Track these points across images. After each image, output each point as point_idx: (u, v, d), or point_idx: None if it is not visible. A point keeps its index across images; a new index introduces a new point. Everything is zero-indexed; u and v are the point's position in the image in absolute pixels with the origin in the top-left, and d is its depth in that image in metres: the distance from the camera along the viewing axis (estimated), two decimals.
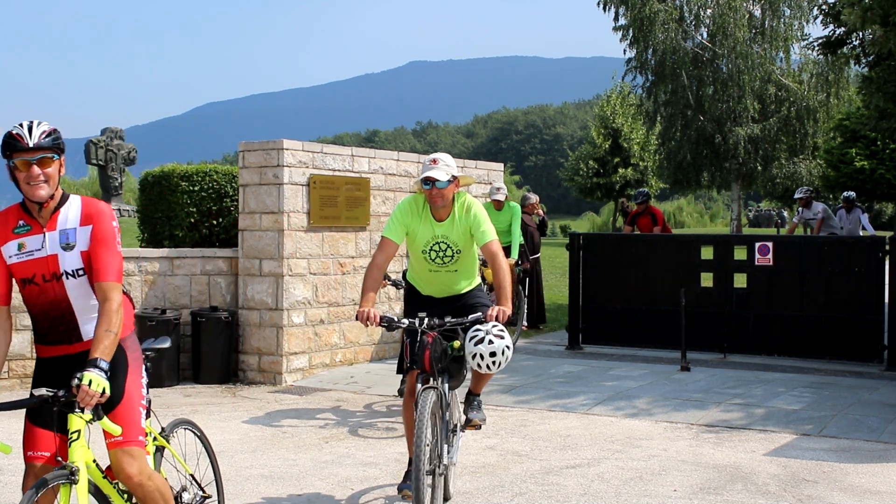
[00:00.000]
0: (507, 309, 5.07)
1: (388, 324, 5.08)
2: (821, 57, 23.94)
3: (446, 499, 5.38)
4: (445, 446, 5.04)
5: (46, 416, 3.65)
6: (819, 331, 10.67)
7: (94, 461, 3.66)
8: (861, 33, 13.46)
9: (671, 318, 11.01)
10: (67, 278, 3.68)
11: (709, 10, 34.08)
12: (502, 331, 5.12)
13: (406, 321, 5.13)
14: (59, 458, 3.60)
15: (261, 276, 9.83)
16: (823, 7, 15.14)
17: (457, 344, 5.20)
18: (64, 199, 3.75)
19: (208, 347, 9.70)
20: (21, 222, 3.71)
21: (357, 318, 5.12)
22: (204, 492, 4.50)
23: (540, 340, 12.65)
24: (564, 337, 12.12)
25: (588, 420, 7.89)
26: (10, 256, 3.69)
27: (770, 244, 11.03)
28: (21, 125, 3.64)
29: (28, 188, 3.63)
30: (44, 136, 3.63)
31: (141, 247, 10.96)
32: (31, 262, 3.68)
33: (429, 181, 5.25)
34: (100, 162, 29.24)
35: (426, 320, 5.12)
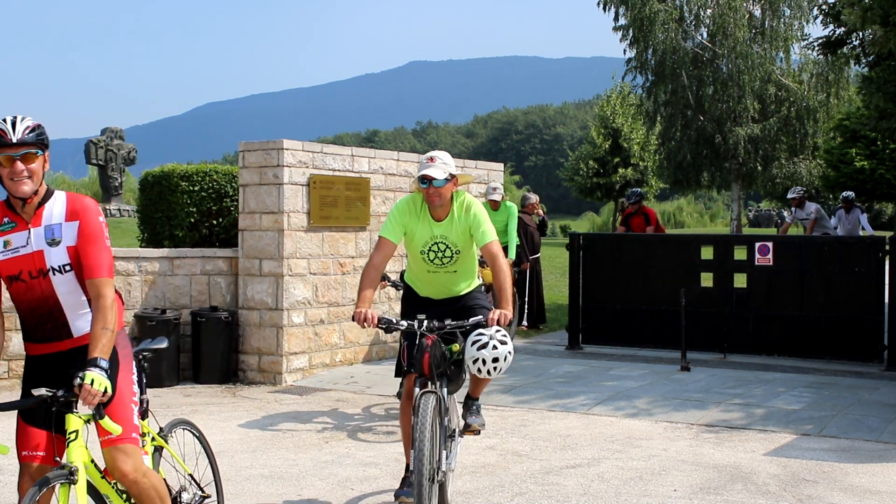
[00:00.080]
0: (509, 312, 4.96)
1: (386, 325, 4.96)
2: (821, 57, 23.94)
3: None
4: (444, 452, 4.87)
5: (39, 416, 3.63)
6: (819, 331, 10.67)
7: (93, 461, 3.65)
8: (861, 33, 13.46)
9: (671, 318, 11.00)
10: (54, 274, 3.64)
11: (709, 10, 34.07)
12: (506, 336, 5.00)
13: (405, 323, 4.99)
14: (58, 458, 3.59)
15: (261, 276, 9.83)
16: (823, 7, 15.14)
17: (456, 347, 5.09)
18: (48, 194, 3.70)
19: (208, 347, 9.70)
20: (5, 219, 3.68)
21: (354, 319, 4.99)
22: (203, 492, 4.49)
23: (540, 340, 12.65)
24: (564, 337, 12.13)
25: (588, 420, 7.89)
26: None
27: (770, 244, 11.03)
28: (4, 120, 3.59)
29: (11, 184, 3.59)
30: (28, 131, 3.58)
31: (141, 247, 10.96)
32: (17, 258, 3.64)
33: (426, 179, 5.12)
34: (100, 162, 29.24)
35: (425, 322, 4.97)
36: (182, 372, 9.81)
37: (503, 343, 4.96)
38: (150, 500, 3.71)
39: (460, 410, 5.57)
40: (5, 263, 3.66)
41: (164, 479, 4.00)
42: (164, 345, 4.32)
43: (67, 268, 3.66)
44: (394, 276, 9.48)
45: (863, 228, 14.86)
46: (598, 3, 34.63)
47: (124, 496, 3.81)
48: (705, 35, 34.30)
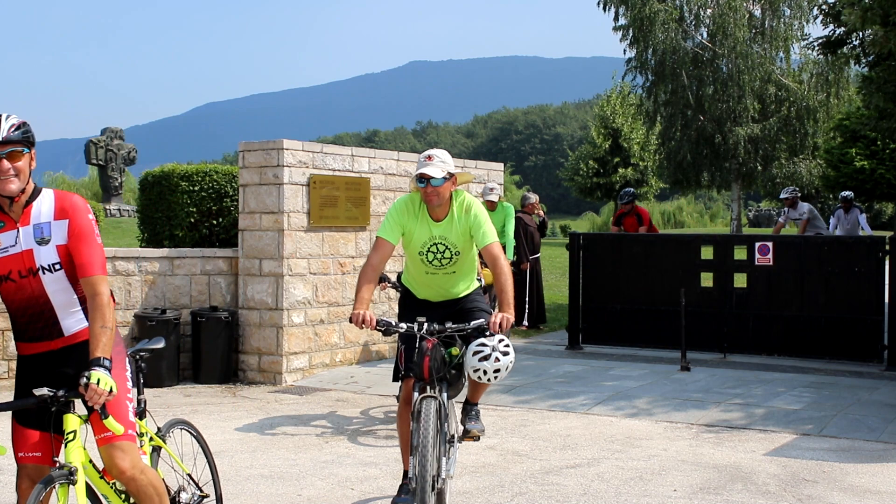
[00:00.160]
0: (511, 316, 4.79)
1: (384, 328, 4.78)
2: (821, 57, 23.91)
3: None
4: (443, 459, 4.69)
5: (34, 416, 3.61)
6: (819, 331, 10.67)
7: (91, 461, 3.64)
8: (861, 33, 13.45)
9: (671, 318, 11.01)
10: (44, 273, 3.61)
11: (709, 10, 34.07)
12: (508, 346, 4.88)
13: (404, 326, 4.83)
14: (56, 459, 3.58)
15: (261, 276, 9.83)
16: (823, 7, 15.13)
17: (455, 351, 4.94)
18: (36, 192, 3.66)
19: (208, 347, 9.70)
20: None
21: (351, 321, 4.82)
22: (202, 491, 4.49)
23: (540, 340, 12.65)
24: (564, 337, 12.13)
25: (588, 420, 7.89)
26: None
27: (770, 244, 11.03)
28: None
29: None
30: (13, 129, 3.53)
31: (141, 247, 10.96)
32: (6, 258, 3.60)
33: (423, 178, 4.98)
34: (100, 162, 29.26)
35: (425, 325, 4.81)
36: (182, 372, 9.81)
37: (505, 354, 4.85)
38: (149, 498, 3.70)
39: (458, 415, 5.43)
40: None
41: (163, 479, 4.00)
42: (160, 345, 4.29)
43: (57, 266, 3.62)
44: (393, 277, 9.47)
45: (862, 229, 14.84)
46: (598, 3, 34.63)
47: (123, 496, 3.81)
48: (705, 35, 34.29)
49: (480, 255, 5.34)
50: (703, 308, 11.12)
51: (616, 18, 34.44)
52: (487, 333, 4.85)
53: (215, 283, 10.10)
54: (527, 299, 13.20)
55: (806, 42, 29.56)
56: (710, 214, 66.63)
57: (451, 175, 5.06)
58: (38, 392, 3.42)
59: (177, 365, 9.69)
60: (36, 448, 3.63)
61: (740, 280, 11.40)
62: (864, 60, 14.88)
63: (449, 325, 4.87)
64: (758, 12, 34.26)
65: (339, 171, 10.29)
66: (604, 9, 34.56)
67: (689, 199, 61.48)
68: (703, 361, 10.63)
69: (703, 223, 61.39)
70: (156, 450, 4.19)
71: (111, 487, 3.76)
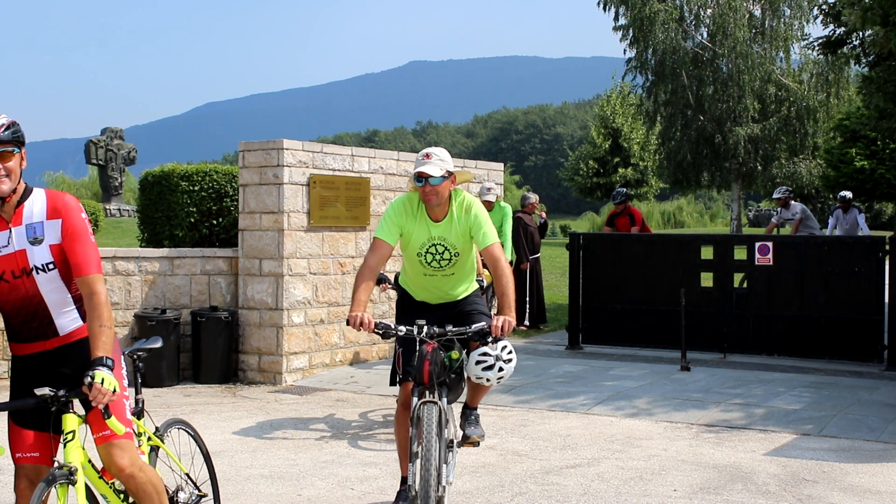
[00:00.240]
0: (513, 319, 4.64)
1: (383, 331, 4.63)
2: (821, 57, 23.93)
3: None
4: (444, 466, 4.52)
5: (30, 417, 3.61)
6: (819, 331, 10.67)
7: (90, 461, 3.63)
8: (861, 33, 13.45)
9: (671, 318, 11.01)
10: (38, 273, 3.60)
11: (709, 10, 34.07)
12: (511, 351, 4.80)
13: (404, 329, 4.65)
14: (56, 459, 3.56)
15: (261, 275, 9.83)
16: (823, 7, 15.14)
17: (455, 355, 4.74)
18: (27, 192, 3.63)
19: (208, 347, 9.70)
20: None
21: (348, 324, 4.66)
22: (200, 491, 4.49)
23: (540, 340, 12.65)
24: (564, 337, 12.13)
25: (588, 420, 7.89)
26: None
27: (770, 244, 11.03)
28: None
29: None
30: (2, 129, 3.51)
31: (141, 247, 10.96)
32: (0, 259, 3.59)
33: (421, 177, 4.84)
34: (100, 162, 29.27)
35: (425, 328, 4.65)
36: (182, 372, 9.82)
37: (508, 361, 4.77)
38: (147, 495, 3.69)
39: (457, 420, 5.28)
40: None
41: (161, 478, 4.00)
42: (158, 344, 4.28)
43: (51, 266, 3.60)
44: (393, 277, 9.46)
45: (860, 230, 14.80)
46: (598, 3, 34.64)
47: (122, 496, 3.80)
48: (705, 35, 34.30)
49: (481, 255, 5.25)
50: (703, 308, 11.12)
51: (616, 18, 34.47)
52: (490, 339, 4.72)
53: (215, 283, 10.10)
54: (527, 299, 13.20)
55: (806, 42, 29.60)
56: (710, 214, 66.62)
57: (450, 174, 4.93)
58: (39, 392, 3.42)
59: (177, 365, 9.69)
60: (33, 448, 3.63)
61: (740, 280, 11.41)
62: (864, 60, 14.88)
63: (449, 328, 4.71)
64: (758, 12, 34.26)
65: (339, 171, 10.29)
66: (604, 9, 34.58)
67: (689, 199, 61.47)
68: (703, 361, 10.63)
69: (703, 223, 61.38)
70: (154, 449, 4.18)
71: (110, 487, 3.75)
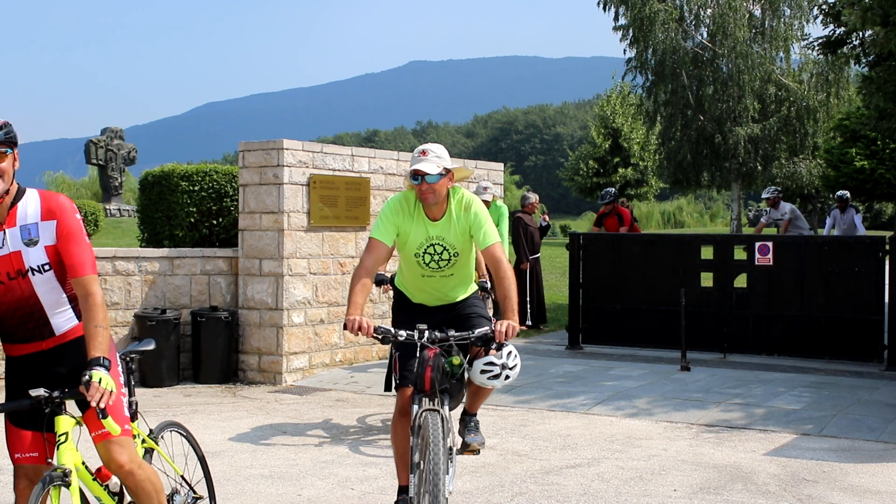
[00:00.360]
0: (516, 324, 4.48)
1: (383, 335, 4.43)
2: (821, 57, 23.93)
3: None
4: (445, 476, 4.30)
5: (27, 417, 3.60)
6: (819, 331, 10.67)
7: (84, 463, 3.62)
8: (861, 33, 13.46)
9: (671, 318, 11.01)
10: (33, 274, 3.58)
11: (709, 10, 34.06)
12: (516, 357, 4.70)
13: (404, 333, 4.44)
14: (50, 460, 3.56)
15: (261, 275, 9.83)
16: (823, 7, 15.14)
17: (456, 360, 4.51)
18: (20, 193, 3.60)
19: (208, 347, 9.70)
20: None
21: (345, 328, 4.47)
22: (195, 492, 4.48)
23: (540, 340, 12.65)
24: (564, 337, 12.13)
25: (588, 420, 7.90)
26: None
27: (770, 244, 11.03)
28: None
29: None
30: None
31: (141, 247, 10.97)
32: None
33: (418, 175, 4.63)
34: (100, 162, 29.28)
35: (426, 333, 4.46)
36: (182, 372, 9.82)
37: (513, 368, 4.67)
38: (146, 493, 3.69)
39: (456, 426, 5.08)
40: None
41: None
42: (150, 346, 4.25)
43: (46, 267, 3.59)
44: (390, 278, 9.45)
45: (857, 230, 14.74)
46: (598, 3, 34.63)
47: (116, 499, 3.80)
48: (705, 35, 34.29)
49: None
50: (703, 308, 11.12)
51: (616, 18, 34.45)
52: (493, 346, 4.55)
53: (215, 282, 10.10)
54: (527, 299, 13.20)
55: (806, 42, 29.58)
56: (710, 214, 66.67)
57: (448, 171, 4.72)
58: (33, 393, 3.40)
59: (177, 365, 9.69)
60: (32, 448, 3.62)
61: (740, 280, 11.41)
62: (864, 60, 14.88)
63: (452, 333, 4.53)
64: (758, 12, 34.26)
65: (339, 170, 10.29)
66: (604, 9, 34.57)
67: (689, 199, 61.53)
68: (703, 361, 10.63)
69: (703, 223, 61.41)
70: (148, 452, 4.16)
71: (104, 489, 3.75)
